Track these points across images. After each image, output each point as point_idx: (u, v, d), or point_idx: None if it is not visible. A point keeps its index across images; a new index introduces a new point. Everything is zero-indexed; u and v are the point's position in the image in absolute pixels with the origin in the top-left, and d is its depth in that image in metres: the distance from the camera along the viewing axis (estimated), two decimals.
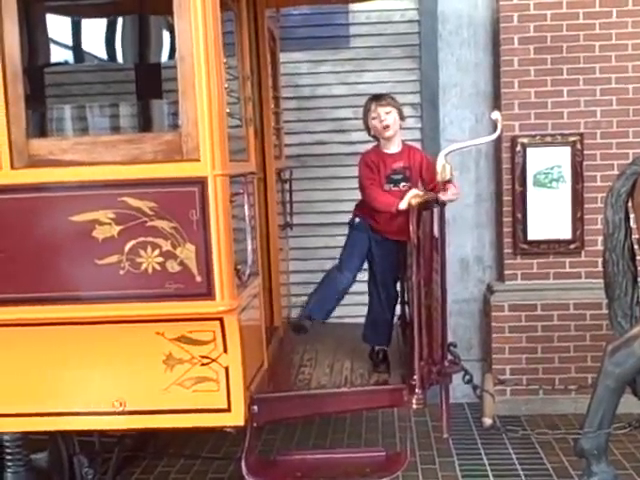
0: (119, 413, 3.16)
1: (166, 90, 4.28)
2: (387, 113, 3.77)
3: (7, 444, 3.39)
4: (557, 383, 5.08)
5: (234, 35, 3.58)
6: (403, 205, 3.50)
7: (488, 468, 4.44)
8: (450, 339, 3.82)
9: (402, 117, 3.85)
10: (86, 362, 3.14)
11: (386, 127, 3.76)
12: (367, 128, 3.86)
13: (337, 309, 3.97)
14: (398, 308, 4.42)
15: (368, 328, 3.97)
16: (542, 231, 5.26)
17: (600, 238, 4.62)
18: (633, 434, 4.46)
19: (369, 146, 3.97)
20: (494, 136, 3.68)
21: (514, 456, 4.58)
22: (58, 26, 3.96)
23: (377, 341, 3.90)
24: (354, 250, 3.89)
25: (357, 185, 3.91)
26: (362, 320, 4.04)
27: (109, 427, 3.26)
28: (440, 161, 3.48)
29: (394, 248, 3.85)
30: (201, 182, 2.95)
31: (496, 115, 3.61)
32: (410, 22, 5.47)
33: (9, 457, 3.40)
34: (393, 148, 3.83)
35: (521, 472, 4.36)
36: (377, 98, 3.83)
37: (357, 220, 3.92)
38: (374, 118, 3.78)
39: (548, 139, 5.23)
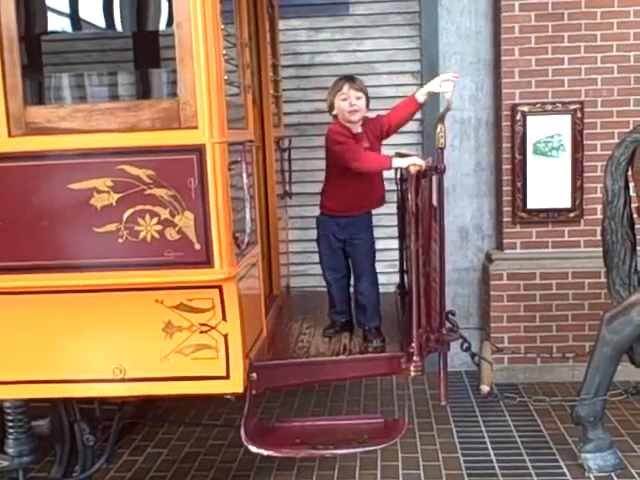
0: (119, 380, 3.17)
1: (164, 58, 4.25)
2: (358, 98, 3.71)
3: (8, 411, 3.40)
4: (555, 351, 5.11)
5: (232, 1, 3.54)
6: (404, 163, 3.48)
7: (485, 435, 4.49)
8: (449, 308, 3.82)
9: (368, 105, 3.78)
10: (86, 330, 3.15)
11: (354, 111, 3.71)
12: (330, 106, 3.79)
13: None
14: (397, 277, 4.46)
15: (356, 311, 3.92)
16: (541, 200, 5.26)
17: (599, 207, 4.63)
18: (629, 401, 4.51)
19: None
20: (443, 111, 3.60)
21: (511, 423, 4.63)
22: None
23: (368, 322, 3.87)
24: (328, 257, 3.90)
25: None
26: None
27: (109, 394, 3.28)
28: (438, 127, 3.46)
29: (364, 224, 3.86)
30: (199, 150, 2.93)
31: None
32: None
33: (10, 424, 3.42)
34: (356, 128, 3.76)
35: (518, 439, 4.41)
36: (350, 80, 3.76)
37: (319, 218, 3.91)
38: (344, 99, 3.71)
39: (548, 107, 5.20)
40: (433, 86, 3.73)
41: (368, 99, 3.77)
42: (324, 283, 3.99)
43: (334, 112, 3.79)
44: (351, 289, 3.97)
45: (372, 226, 3.91)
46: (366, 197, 3.82)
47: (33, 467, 3.71)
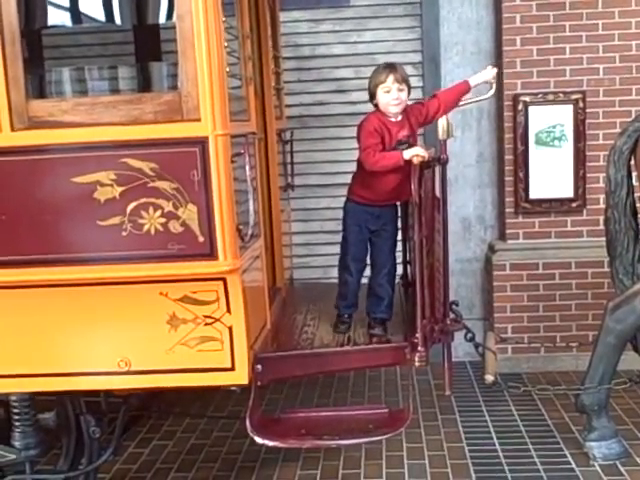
0: (124, 373, 3.18)
1: (165, 51, 4.25)
2: (400, 90, 3.62)
3: (14, 404, 3.41)
4: (558, 341, 5.12)
5: None
6: (407, 155, 3.47)
7: (490, 424, 4.50)
8: (452, 298, 3.82)
9: (409, 94, 3.71)
10: (91, 323, 3.15)
11: (397, 105, 3.64)
12: (372, 95, 3.71)
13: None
14: (400, 268, 4.46)
15: (370, 300, 3.87)
16: (544, 190, 5.26)
17: (602, 196, 4.62)
18: (633, 390, 4.51)
19: (370, 106, 3.90)
20: (490, 93, 3.68)
21: (516, 413, 4.64)
22: None
23: (379, 313, 3.85)
24: (355, 247, 3.82)
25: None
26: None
27: (115, 387, 3.29)
28: (442, 120, 3.46)
29: (393, 216, 3.84)
30: (202, 142, 2.93)
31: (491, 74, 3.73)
32: None
33: (17, 417, 3.43)
34: (397, 117, 3.69)
35: (522, 428, 4.42)
36: (393, 70, 3.64)
37: (349, 205, 3.82)
38: (387, 92, 3.62)
39: (550, 97, 5.20)
40: (487, 75, 3.82)
41: (410, 88, 3.70)
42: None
43: (375, 101, 3.70)
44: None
45: (398, 218, 3.89)
46: (401, 187, 3.70)
47: (39, 460, 3.74)
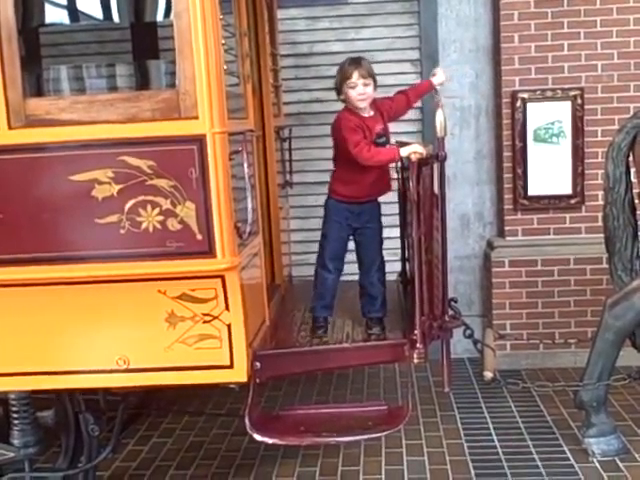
0: (123, 371, 3.18)
1: (163, 49, 4.24)
2: (366, 85, 3.64)
3: (13, 402, 3.42)
4: (557, 337, 5.12)
5: None
6: (404, 152, 3.47)
7: (489, 421, 4.50)
8: (451, 295, 3.82)
9: (376, 88, 3.71)
10: (89, 321, 3.15)
11: (363, 99, 3.65)
12: (338, 91, 3.72)
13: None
14: (399, 265, 4.46)
15: (364, 301, 3.86)
16: (542, 186, 5.26)
17: (600, 193, 4.63)
18: (632, 386, 4.52)
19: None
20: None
21: (514, 409, 4.64)
22: None
23: (375, 312, 3.84)
24: (335, 244, 3.79)
25: None
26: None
27: (113, 385, 3.29)
28: (440, 116, 3.45)
29: (376, 212, 3.84)
30: (200, 140, 2.93)
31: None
32: None
33: (15, 415, 3.43)
34: (368, 111, 3.71)
35: (521, 425, 4.42)
36: (357, 65, 3.65)
37: (330, 202, 3.80)
38: (352, 87, 3.63)
39: (548, 94, 5.20)
40: (440, 77, 3.82)
41: (376, 82, 3.71)
42: None
43: (342, 97, 3.73)
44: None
45: (381, 215, 3.90)
46: (378, 182, 3.75)
47: (38, 458, 3.74)
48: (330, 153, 3.86)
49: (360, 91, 3.64)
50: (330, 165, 3.90)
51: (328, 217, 3.84)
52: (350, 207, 3.78)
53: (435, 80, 3.81)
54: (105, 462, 3.76)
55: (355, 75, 3.63)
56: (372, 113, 3.72)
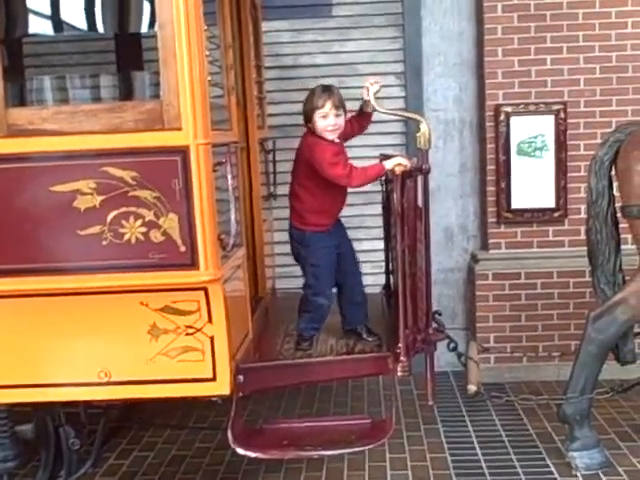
0: (104, 384, 3.15)
1: (147, 60, 4.23)
2: (338, 116, 3.61)
3: None
4: (540, 350, 5.14)
5: (215, 3, 3.53)
6: (389, 165, 3.47)
7: (473, 434, 4.49)
8: (435, 308, 3.82)
9: (345, 115, 3.68)
10: (70, 333, 3.13)
11: (334, 130, 3.62)
12: (307, 117, 3.66)
13: None
14: (382, 277, 4.45)
15: (351, 312, 3.87)
16: (526, 200, 5.28)
17: (583, 206, 4.64)
18: (615, 399, 4.52)
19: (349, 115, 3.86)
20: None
21: (498, 422, 4.64)
22: None
23: (363, 320, 3.86)
24: (329, 270, 3.77)
25: None
26: None
27: (94, 398, 3.26)
28: (424, 128, 3.46)
29: (342, 228, 3.90)
30: (183, 151, 2.92)
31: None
32: None
33: None
34: (335, 137, 3.67)
35: (505, 438, 4.41)
36: (330, 94, 3.60)
37: (309, 235, 3.76)
38: (323, 117, 3.59)
39: (532, 108, 5.22)
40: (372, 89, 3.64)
41: (345, 111, 3.68)
42: None
43: (310, 125, 3.67)
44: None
45: None
46: (343, 199, 3.83)
47: (18, 472, 3.69)
48: None
49: (331, 122, 3.60)
50: None
51: (314, 248, 3.77)
52: (328, 232, 3.79)
53: (370, 92, 3.61)
54: (85, 476, 3.71)
55: (328, 105, 3.59)
56: (339, 140, 3.71)
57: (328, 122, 3.61)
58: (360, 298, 3.85)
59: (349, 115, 3.82)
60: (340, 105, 3.63)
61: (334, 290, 3.87)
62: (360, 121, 3.86)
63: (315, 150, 3.62)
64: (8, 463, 3.42)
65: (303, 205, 3.80)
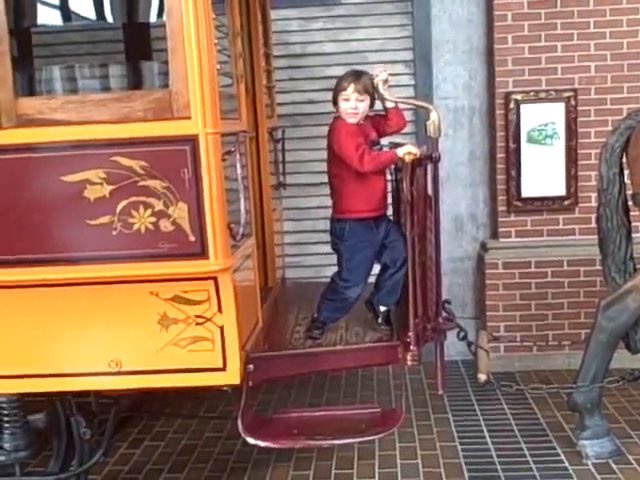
0: (115, 373, 3.15)
1: (156, 49, 4.22)
2: (360, 101, 3.57)
3: (4, 406, 3.38)
4: (551, 339, 5.12)
5: None
6: (399, 153, 3.44)
7: (482, 424, 4.49)
8: (444, 297, 3.81)
9: (373, 104, 3.64)
10: (81, 323, 3.13)
11: (354, 114, 3.58)
12: (334, 99, 3.64)
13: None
14: None
15: (387, 292, 3.77)
16: (536, 188, 5.25)
17: (594, 194, 4.63)
18: (626, 388, 4.50)
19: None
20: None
21: (508, 411, 4.63)
22: None
23: (390, 304, 3.81)
24: (361, 264, 3.67)
25: None
26: None
27: (105, 387, 3.26)
28: (433, 116, 3.44)
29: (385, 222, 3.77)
30: (192, 140, 2.91)
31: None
32: None
33: (6, 419, 3.40)
34: (355, 121, 3.61)
35: (515, 427, 4.41)
36: (355, 78, 3.57)
37: (348, 228, 3.65)
38: (345, 99, 3.57)
39: (542, 95, 5.19)
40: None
41: (373, 99, 3.63)
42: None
43: (336, 107, 3.65)
44: None
45: None
46: (379, 185, 3.68)
47: (30, 462, 3.71)
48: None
49: (352, 105, 3.57)
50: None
51: (351, 242, 3.65)
52: (370, 224, 3.66)
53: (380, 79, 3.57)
54: (97, 466, 3.73)
55: (350, 88, 3.57)
56: (365, 121, 3.66)
57: (349, 105, 3.58)
58: (399, 289, 3.72)
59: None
60: (364, 91, 3.58)
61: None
62: (388, 118, 3.74)
63: (334, 130, 3.64)
64: (20, 453, 3.42)
65: (335, 192, 3.75)
